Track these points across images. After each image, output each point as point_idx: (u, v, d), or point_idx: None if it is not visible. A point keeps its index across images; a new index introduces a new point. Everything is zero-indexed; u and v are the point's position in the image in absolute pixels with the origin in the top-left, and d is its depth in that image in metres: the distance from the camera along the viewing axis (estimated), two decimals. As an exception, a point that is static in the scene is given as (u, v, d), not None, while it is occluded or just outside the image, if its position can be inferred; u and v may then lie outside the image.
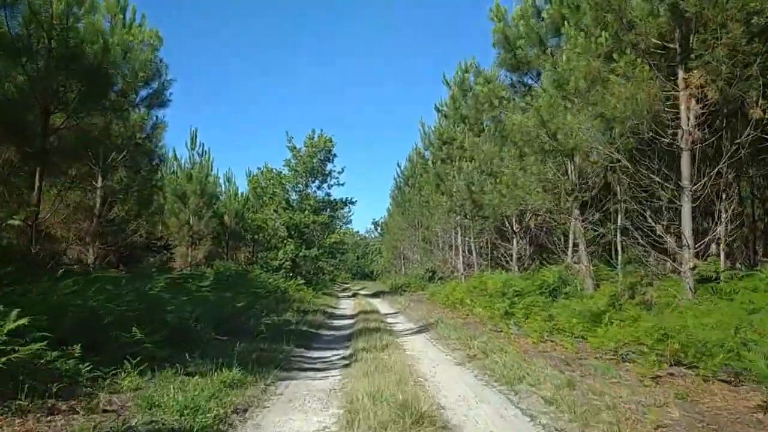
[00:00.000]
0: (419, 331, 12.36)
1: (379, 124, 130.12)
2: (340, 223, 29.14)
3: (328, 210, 29.19)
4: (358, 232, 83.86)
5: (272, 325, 11.63)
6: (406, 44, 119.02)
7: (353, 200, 29.82)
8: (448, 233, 30.46)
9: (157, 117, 13.03)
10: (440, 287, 24.15)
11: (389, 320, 15.44)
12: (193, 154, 22.44)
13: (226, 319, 10.34)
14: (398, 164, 40.64)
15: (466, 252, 26.77)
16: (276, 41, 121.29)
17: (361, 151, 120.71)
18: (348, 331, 12.74)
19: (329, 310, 19.24)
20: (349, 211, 30.17)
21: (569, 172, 12.95)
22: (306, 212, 27.13)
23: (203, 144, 22.48)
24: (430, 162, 25.03)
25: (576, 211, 13.36)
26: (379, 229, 69.67)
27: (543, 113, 12.18)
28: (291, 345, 9.23)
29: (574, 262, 14.07)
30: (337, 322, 15.25)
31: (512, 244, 21.20)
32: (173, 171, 22.19)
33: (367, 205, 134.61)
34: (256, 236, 27.75)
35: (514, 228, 21.06)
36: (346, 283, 63.35)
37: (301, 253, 26.62)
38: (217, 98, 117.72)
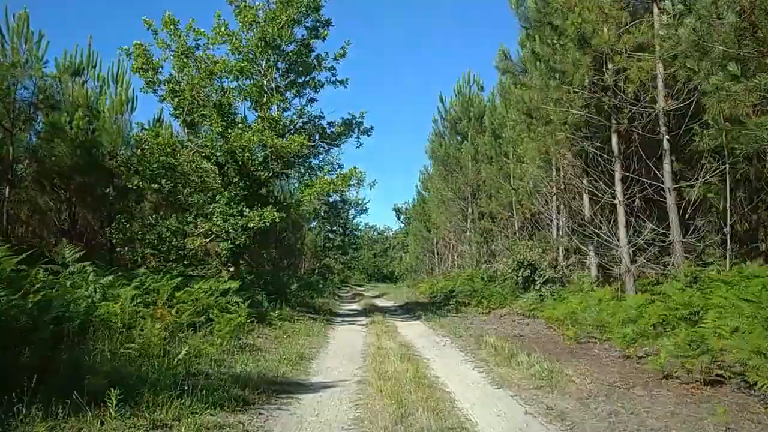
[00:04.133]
0: None
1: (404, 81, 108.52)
2: (335, 164, 13.74)
3: (316, 136, 14.02)
4: (375, 225, 68.94)
5: None
6: None
7: (365, 124, 14.54)
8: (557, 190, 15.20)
9: None
10: (614, 308, 8.81)
11: None
12: None
13: None
14: (441, 98, 25.58)
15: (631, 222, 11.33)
16: None
17: (378, 116, 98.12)
18: None
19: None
20: (359, 146, 14.84)
21: None
22: (260, 132, 11.96)
23: None
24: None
25: None
26: (402, 217, 54.43)
27: None
28: None
29: None
30: None
31: None
32: None
33: (386, 194, 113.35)
34: (157, 183, 12.62)
35: None
36: (360, 286, 48.10)
37: (240, 220, 11.43)
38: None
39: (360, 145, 14.85)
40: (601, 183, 11.38)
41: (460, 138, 25.24)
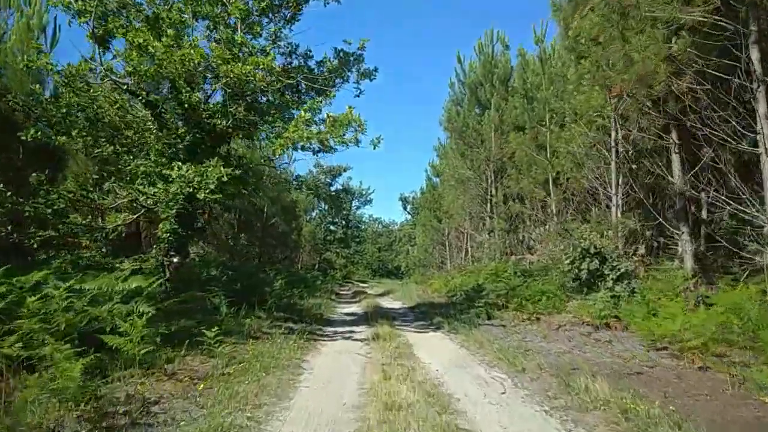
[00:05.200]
0: None
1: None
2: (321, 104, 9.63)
3: (300, 78, 9.96)
4: (379, 218, 64.86)
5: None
6: None
7: (366, 64, 10.53)
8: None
9: None
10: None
11: None
12: None
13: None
14: (459, 58, 21.35)
15: None
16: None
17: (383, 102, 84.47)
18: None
19: None
20: (358, 94, 10.86)
21: None
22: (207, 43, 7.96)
23: None
24: None
25: None
26: (409, 207, 50.30)
27: None
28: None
29: None
30: None
31: None
32: None
33: (392, 185, 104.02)
34: (67, 136, 8.57)
35: None
36: (363, 283, 43.95)
37: (177, 186, 7.35)
38: None
39: (360, 92, 10.78)
40: (732, 123, 7.26)
41: (479, 110, 21.12)
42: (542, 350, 7.12)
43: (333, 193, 34.01)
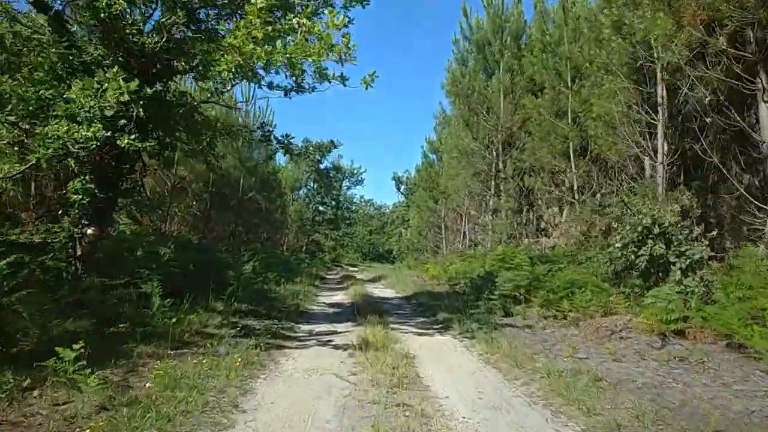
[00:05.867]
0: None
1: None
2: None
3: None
4: (371, 200, 62.05)
5: None
6: None
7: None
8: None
9: None
10: None
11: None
12: None
13: None
14: (464, 11, 18.40)
15: None
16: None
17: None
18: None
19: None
20: (347, 23, 8.24)
21: None
22: None
23: None
24: None
25: None
26: (402, 187, 47.70)
27: None
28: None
29: None
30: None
31: None
32: None
33: (384, 165, 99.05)
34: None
35: None
36: (353, 266, 41.43)
37: (65, 113, 4.74)
38: None
39: (349, 21, 8.16)
40: None
41: (487, 73, 18.50)
42: (618, 378, 4.68)
43: (305, 148, 30.87)
